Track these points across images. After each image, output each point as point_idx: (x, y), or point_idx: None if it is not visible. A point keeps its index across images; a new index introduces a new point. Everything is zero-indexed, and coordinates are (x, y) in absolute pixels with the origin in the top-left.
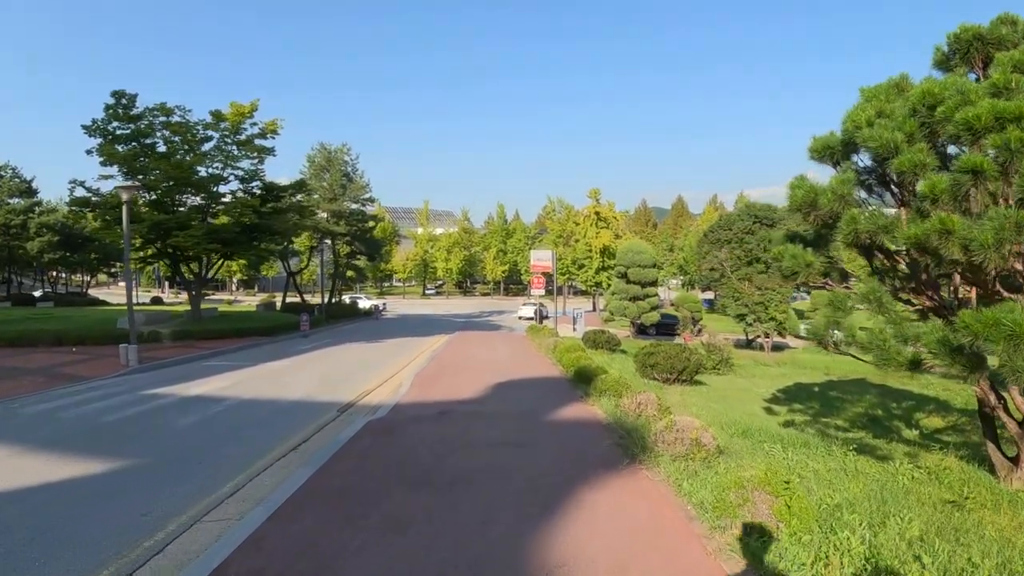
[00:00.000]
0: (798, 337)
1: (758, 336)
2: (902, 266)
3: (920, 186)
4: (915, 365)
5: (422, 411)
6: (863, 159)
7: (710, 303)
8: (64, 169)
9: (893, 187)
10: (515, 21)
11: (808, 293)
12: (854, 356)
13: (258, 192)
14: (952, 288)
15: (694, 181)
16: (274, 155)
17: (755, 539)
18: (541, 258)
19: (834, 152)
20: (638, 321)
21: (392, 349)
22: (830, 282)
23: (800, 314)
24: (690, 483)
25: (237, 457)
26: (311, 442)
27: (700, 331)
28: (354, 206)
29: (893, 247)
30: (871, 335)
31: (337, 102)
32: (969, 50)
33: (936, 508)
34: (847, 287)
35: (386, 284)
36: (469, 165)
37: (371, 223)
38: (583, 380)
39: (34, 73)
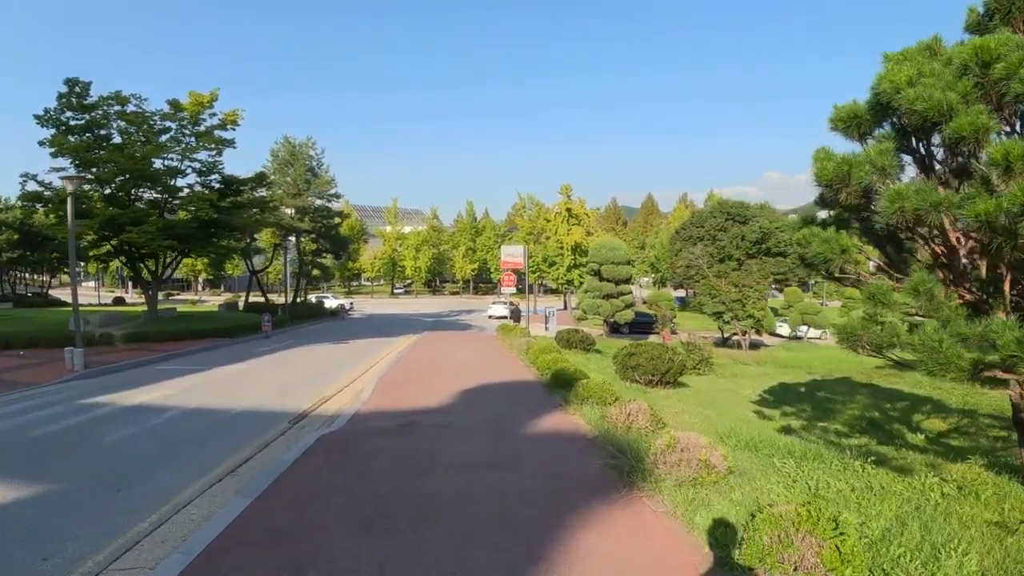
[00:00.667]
0: (774, 335)
1: (734, 334)
2: (925, 255)
3: (990, 152)
4: (977, 371)
5: (383, 422)
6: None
7: (682, 301)
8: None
9: (932, 161)
10: (515, 21)
11: (781, 291)
12: (894, 359)
13: (217, 186)
14: (981, 281)
15: (663, 180)
16: (234, 147)
17: None
18: (512, 254)
19: (861, 122)
20: (612, 320)
21: (356, 351)
22: (862, 273)
23: (775, 312)
24: (704, 517)
25: (166, 481)
26: (254, 461)
27: (674, 330)
28: (319, 202)
29: (928, 232)
30: (923, 336)
31: (337, 102)
32: (1011, 9)
33: (984, 533)
34: (894, 281)
35: (354, 283)
36: (468, 165)
37: (337, 220)
38: (561, 385)
39: (34, 74)
